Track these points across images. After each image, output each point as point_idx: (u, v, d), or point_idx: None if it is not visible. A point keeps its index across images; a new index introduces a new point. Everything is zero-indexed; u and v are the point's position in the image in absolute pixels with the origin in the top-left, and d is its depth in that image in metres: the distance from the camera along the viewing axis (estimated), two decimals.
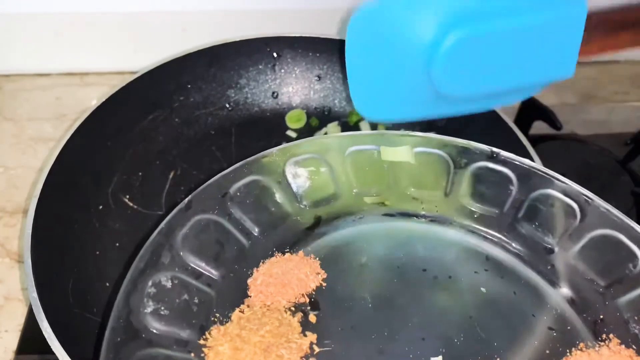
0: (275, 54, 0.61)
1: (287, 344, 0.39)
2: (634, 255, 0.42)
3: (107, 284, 0.49)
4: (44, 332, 0.40)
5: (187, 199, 0.42)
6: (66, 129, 0.52)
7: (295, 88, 0.62)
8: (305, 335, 0.40)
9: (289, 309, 0.41)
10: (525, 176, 0.47)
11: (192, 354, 0.37)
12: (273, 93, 0.62)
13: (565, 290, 0.44)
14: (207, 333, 0.38)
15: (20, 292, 0.52)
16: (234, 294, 0.41)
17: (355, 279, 0.44)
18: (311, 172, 0.48)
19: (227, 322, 0.39)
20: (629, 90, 0.72)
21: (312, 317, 0.41)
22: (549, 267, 0.45)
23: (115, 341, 0.35)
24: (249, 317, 0.40)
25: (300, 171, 0.48)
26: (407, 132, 0.51)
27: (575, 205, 0.45)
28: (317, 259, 0.44)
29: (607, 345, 0.40)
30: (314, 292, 0.42)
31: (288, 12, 0.65)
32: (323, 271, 0.44)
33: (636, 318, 0.41)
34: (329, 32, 0.61)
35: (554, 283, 0.45)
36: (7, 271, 0.53)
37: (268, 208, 0.46)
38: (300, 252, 0.44)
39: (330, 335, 0.40)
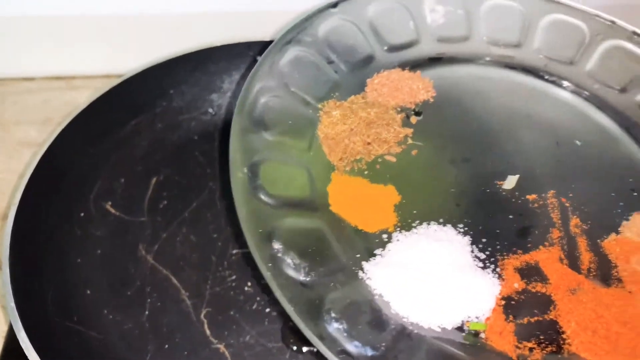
0: (257, 58, 0.60)
1: (387, 126, 0.48)
2: None
3: (89, 292, 0.49)
4: (21, 343, 0.41)
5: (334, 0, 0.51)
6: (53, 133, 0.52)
7: None
8: (403, 127, 0.48)
9: (396, 108, 0.49)
10: None
11: (311, 111, 0.47)
12: None
13: None
14: (325, 102, 0.48)
15: (3, 299, 0.51)
16: (354, 86, 0.50)
17: (460, 105, 0.51)
18: (448, 11, 0.53)
19: (344, 101, 0.48)
20: None
21: (413, 119, 0.49)
22: None
23: (257, 81, 0.46)
24: (361, 101, 0.49)
25: (438, 7, 0.54)
26: None
27: None
28: (432, 81, 0.51)
29: None
30: (420, 103, 0.50)
31: (273, 14, 0.65)
32: (434, 91, 0.51)
33: None
34: None
35: None
36: None
37: (399, 30, 0.53)
38: (418, 72, 0.51)
39: (424, 135, 0.48)
